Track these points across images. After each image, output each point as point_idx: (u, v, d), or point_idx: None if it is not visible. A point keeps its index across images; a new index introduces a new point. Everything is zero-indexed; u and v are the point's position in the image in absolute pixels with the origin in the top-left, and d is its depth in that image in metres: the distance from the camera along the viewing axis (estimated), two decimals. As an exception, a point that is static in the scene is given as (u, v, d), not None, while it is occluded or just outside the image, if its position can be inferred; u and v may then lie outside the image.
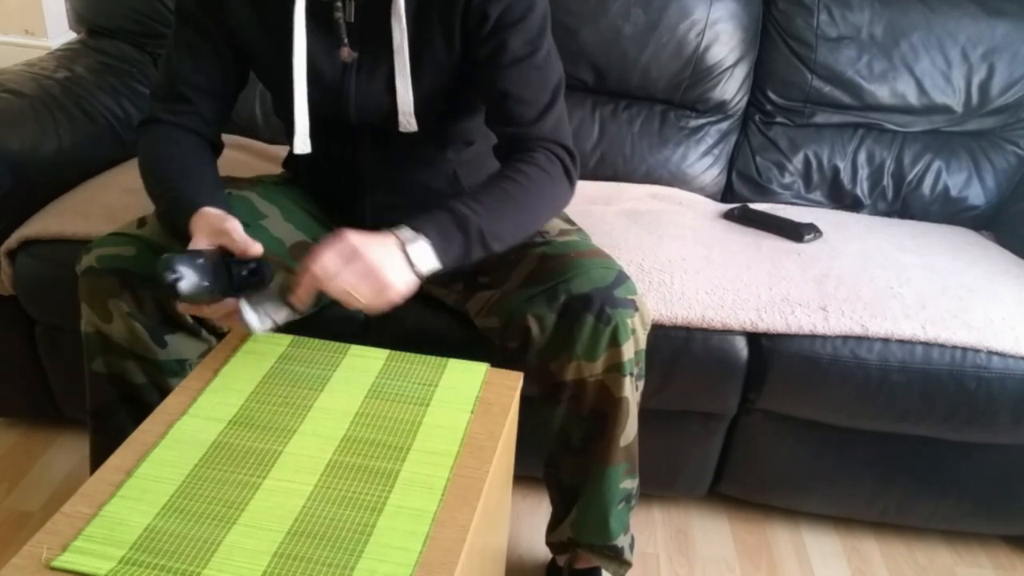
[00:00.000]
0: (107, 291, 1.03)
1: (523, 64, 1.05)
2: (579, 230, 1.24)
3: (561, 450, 1.15)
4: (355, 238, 0.90)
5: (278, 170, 1.37)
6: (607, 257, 1.12)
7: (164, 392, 1.08)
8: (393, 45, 1.04)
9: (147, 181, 1.10)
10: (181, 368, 1.09)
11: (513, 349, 1.12)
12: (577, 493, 1.16)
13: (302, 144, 1.09)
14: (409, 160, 1.18)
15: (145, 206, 1.24)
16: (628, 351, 1.05)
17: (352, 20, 1.05)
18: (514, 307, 1.09)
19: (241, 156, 1.60)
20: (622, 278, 1.08)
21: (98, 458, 1.14)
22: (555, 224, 1.22)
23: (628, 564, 1.21)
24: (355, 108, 1.10)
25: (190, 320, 1.07)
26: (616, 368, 1.06)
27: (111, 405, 1.10)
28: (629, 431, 1.12)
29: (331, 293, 0.90)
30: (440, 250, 0.95)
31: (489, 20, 1.02)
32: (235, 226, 0.95)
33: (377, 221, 1.24)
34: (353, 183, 1.21)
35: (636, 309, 1.06)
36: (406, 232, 0.94)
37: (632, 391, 1.09)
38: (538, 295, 1.07)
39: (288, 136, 1.12)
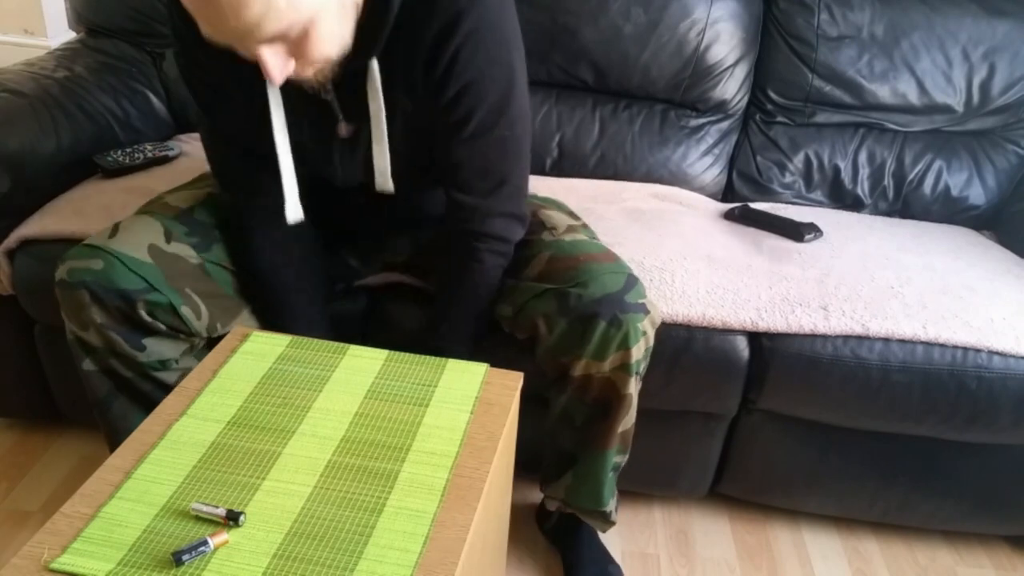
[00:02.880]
0: (78, 304, 1.05)
1: (479, 139, 1.05)
2: (584, 226, 1.25)
3: (562, 427, 1.20)
4: None
5: None
6: (616, 260, 1.13)
7: (154, 381, 1.11)
8: (370, 114, 1.02)
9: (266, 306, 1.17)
10: (164, 366, 1.11)
11: (523, 340, 1.16)
12: (574, 459, 1.22)
13: (293, 212, 1.07)
14: (398, 206, 1.18)
15: (138, 206, 1.23)
16: (637, 352, 1.09)
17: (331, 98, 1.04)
18: (524, 300, 1.13)
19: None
20: (632, 282, 1.10)
21: (112, 442, 1.18)
22: (561, 219, 1.23)
23: (612, 523, 1.30)
24: (341, 174, 1.13)
25: (163, 327, 1.08)
26: (624, 368, 1.09)
27: (109, 394, 1.12)
28: (628, 420, 1.17)
29: None
30: None
31: (445, 93, 1.01)
32: None
33: (367, 247, 1.29)
34: (348, 225, 1.25)
35: (646, 312, 1.09)
36: None
37: (636, 388, 1.13)
38: (549, 295, 1.10)
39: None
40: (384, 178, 1.08)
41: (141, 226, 1.10)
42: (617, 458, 1.21)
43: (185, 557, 0.71)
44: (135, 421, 1.10)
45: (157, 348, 1.09)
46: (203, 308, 1.10)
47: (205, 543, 0.73)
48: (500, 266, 1.15)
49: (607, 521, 1.28)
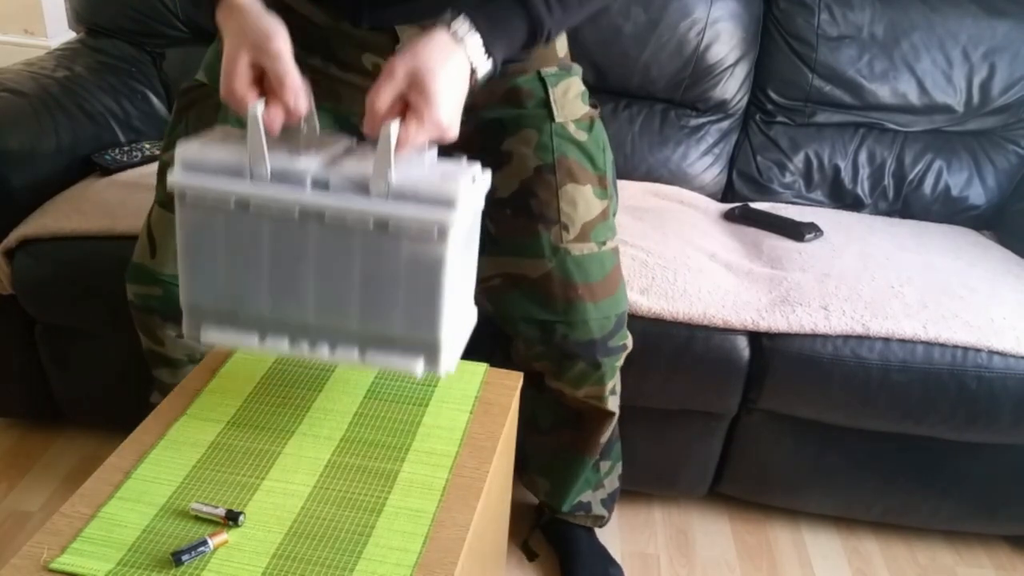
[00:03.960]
0: (152, 324, 1.10)
1: None
2: (604, 218, 1.09)
3: (527, 431, 1.21)
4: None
5: None
6: (615, 291, 1.10)
7: None
8: None
9: None
10: None
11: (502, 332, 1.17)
12: (528, 460, 1.25)
13: None
14: None
15: (140, 202, 1.23)
16: (610, 385, 1.14)
17: None
18: (508, 311, 1.11)
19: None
20: (619, 324, 1.11)
21: None
22: (584, 207, 1.06)
23: (599, 516, 1.31)
24: None
25: None
26: (597, 398, 1.14)
27: None
28: (608, 430, 1.20)
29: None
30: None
31: None
32: (283, 50, 0.74)
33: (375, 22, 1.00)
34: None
35: (625, 349, 1.13)
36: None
37: (614, 407, 1.17)
38: (533, 323, 1.10)
39: None
40: None
41: (172, 232, 0.99)
42: (597, 462, 1.24)
43: (185, 557, 0.71)
44: None
45: None
46: None
47: (205, 543, 0.73)
48: None
49: (589, 514, 1.30)
